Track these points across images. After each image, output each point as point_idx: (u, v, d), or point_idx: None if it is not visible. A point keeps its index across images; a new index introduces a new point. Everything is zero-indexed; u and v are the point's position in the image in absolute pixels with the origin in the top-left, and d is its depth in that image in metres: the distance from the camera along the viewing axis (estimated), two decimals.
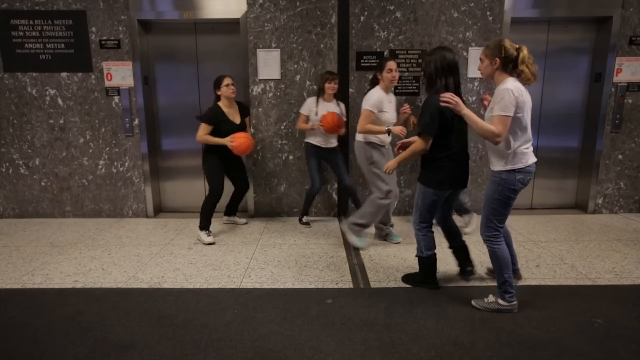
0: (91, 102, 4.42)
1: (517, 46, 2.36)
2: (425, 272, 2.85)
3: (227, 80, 3.71)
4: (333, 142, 4.07)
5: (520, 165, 2.38)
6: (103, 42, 4.30)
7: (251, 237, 3.98)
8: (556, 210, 4.76)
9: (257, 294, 2.79)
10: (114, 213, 4.65)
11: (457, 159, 2.66)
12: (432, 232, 2.81)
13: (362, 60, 4.30)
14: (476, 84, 4.37)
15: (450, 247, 2.99)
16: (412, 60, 4.31)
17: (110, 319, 2.48)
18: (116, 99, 4.41)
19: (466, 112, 2.40)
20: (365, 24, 4.26)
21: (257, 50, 4.28)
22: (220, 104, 3.76)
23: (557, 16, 4.33)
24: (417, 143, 2.65)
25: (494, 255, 2.49)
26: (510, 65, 2.36)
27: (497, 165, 2.44)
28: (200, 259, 3.42)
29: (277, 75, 4.34)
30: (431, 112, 2.55)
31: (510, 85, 2.30)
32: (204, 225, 3.83)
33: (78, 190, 4.60)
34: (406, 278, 2.96)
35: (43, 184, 4.58)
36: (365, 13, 4.24)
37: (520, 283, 2.89)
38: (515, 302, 2.51)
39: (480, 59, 2.47)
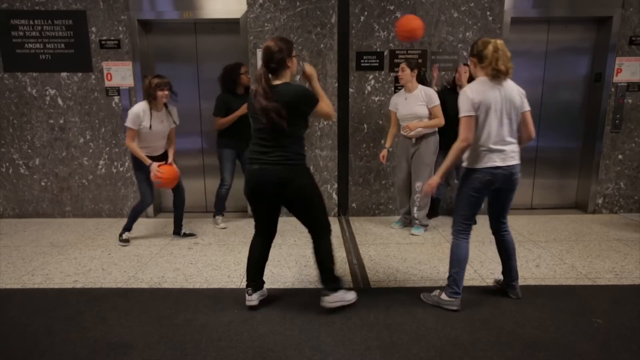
0: (91, 102, 4.42)
1: None
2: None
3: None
4: (161, 150, 3.73)
5: (479, 165, 2.43)
6: (103, 42, 4.30)
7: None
8: (556, 210, 4.75)
9: None
10: (114, 213, 4.65)
11: None
12: None
13: (362, 61, 4.30)
14: None
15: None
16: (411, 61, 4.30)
17: (110, 319, 2.48)
18: (116, 99, 4.40)
19: None
20: (365, 24, 4.26)
21: (257, 50, 4.27)
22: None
23: (557, 16, 4.33)
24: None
25: (451, 249, 2.56)
26: None
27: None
28: (200, 259, 3.42)
29: None
30: None
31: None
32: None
33: (78, 190, 4.60)
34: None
35: (43, 184, 4.58)
36: (365, 13, 4.24)
37: (521, 283, 2.89)
38: (455, 301, 2.52)
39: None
